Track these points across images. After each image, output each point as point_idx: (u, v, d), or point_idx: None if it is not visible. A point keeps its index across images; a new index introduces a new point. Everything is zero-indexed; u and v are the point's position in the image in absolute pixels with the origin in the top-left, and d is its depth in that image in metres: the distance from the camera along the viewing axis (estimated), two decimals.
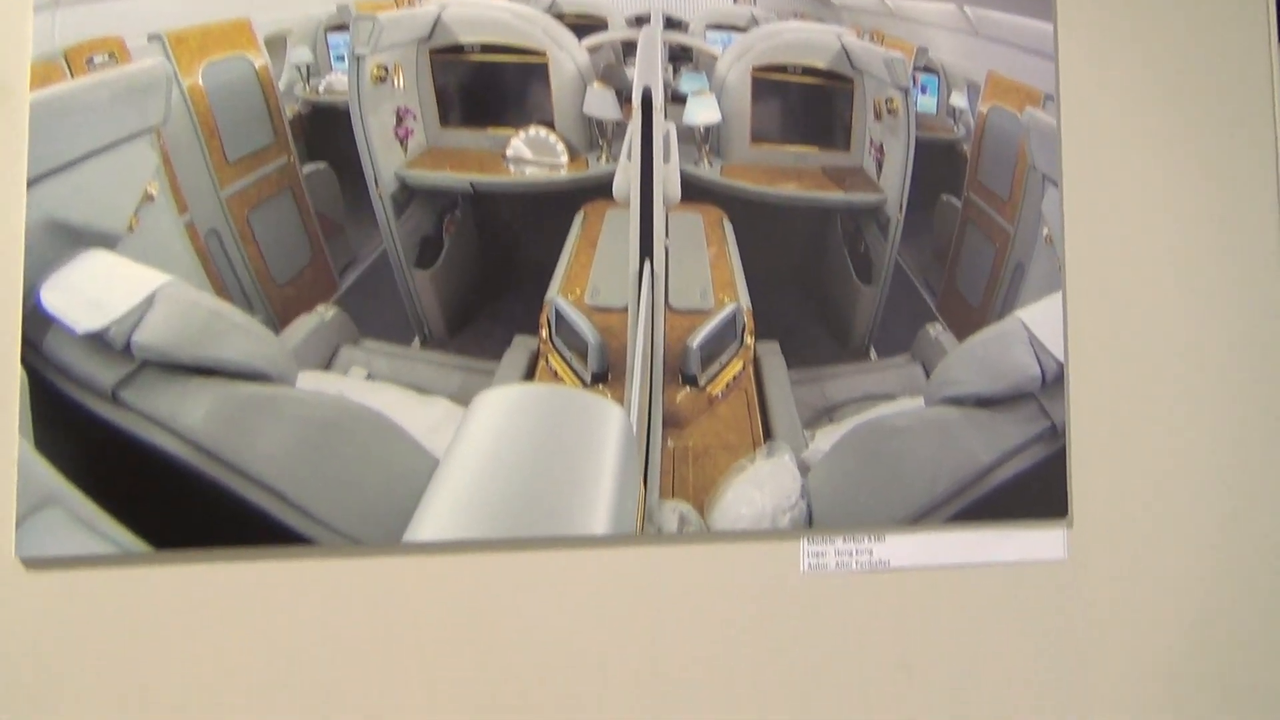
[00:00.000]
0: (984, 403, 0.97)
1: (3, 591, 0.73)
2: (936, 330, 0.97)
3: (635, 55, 0.89)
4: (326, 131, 0.81)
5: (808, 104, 0.94)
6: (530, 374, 0.85)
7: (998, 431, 0.97)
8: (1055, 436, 0.99)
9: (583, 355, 0.87)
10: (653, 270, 0.89)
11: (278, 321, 0.79)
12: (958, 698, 0.95)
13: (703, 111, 0.91)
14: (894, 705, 0.93)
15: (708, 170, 0.91)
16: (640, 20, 0.89)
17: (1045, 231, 1.01)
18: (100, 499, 0.74)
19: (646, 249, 0.89)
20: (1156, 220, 1.05)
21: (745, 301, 0.91)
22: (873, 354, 0.95)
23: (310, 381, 0.80)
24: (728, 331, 0.91)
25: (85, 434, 0.75)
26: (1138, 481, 1.02)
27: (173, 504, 0.76)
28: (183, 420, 0.76)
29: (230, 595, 0.77)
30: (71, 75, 0.75)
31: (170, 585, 0.76)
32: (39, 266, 0.74)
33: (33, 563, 0.73)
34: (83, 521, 0.74)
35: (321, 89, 0.81)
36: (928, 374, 0.96)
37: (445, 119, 0.85)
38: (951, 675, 0.95)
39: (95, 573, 0.74)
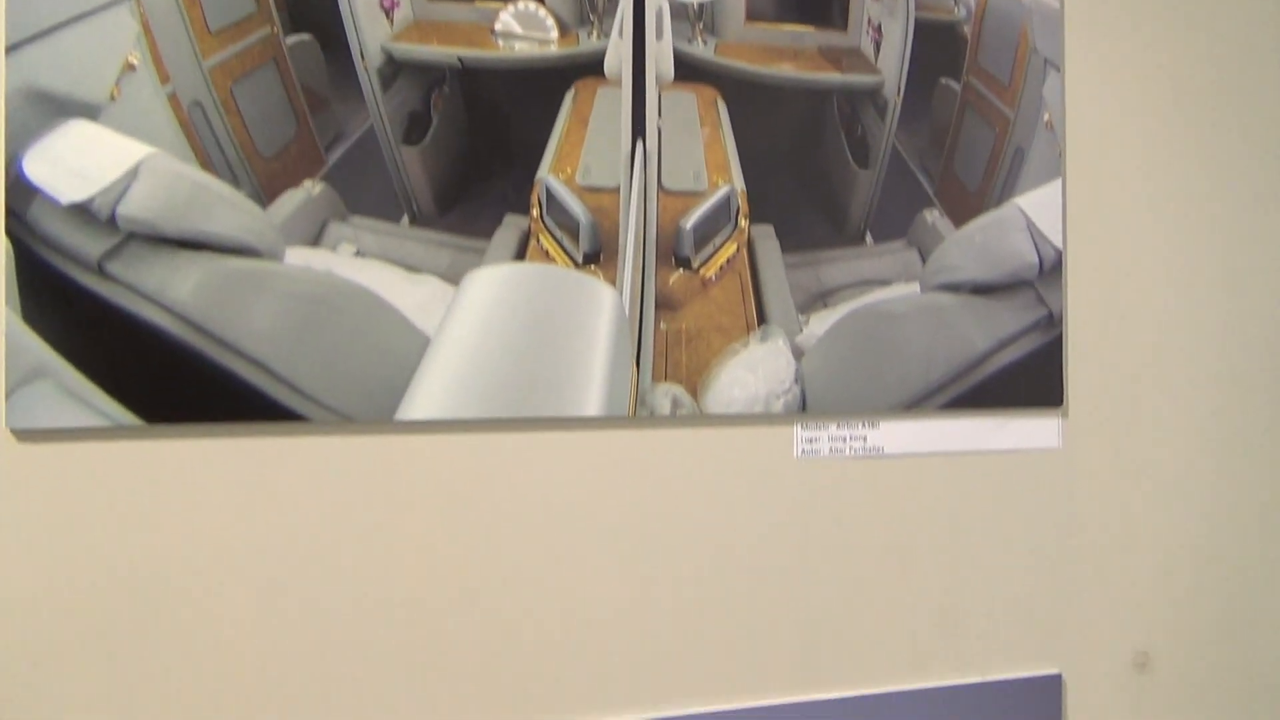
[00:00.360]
0: (981, 290, 0.96)
1: None
2: (934, 216, 0.96)
3: None
4: (310, 2, 0.79)
5: None
6: (521, 253, 0.84)
7: (994, 319, 0.97)
8: (1052, 325, 0.99)
9: (574, 235, 0.86)
10: (645, 150, 0.87)
11: (264, 196, 0.78)
12: (950, 581, 0.95)
13: None
14: (886, 588, 0.94)
15: (701, 49, 0.89)
16: None
17: (1046, 117, 0.99)
18: (90, 373, 0.74)
19: (639, 128, 0.87)
20: (1160, 107, 1.03)
21: (740, 183, 0.90)
22: (869, 239, 0.94)
23: (298, 257, 0.79)
24: (721, 214, 0.90)
25: (73, 307, 0.74)
26: (1134, 371, 1.02)
27: (163, 379, 0.76)
28: (170, 294, 0.76)
29: (222, 470, 0.77)
30: None
31: (162, 459, 0.76)
32: (20, 135, 0.73)
33: (24, 435, 0.73)
34: (73, 394, 0.74)
35: None
36: (924, 260, 0.95)
37: None
38: (944, 560, 0.95)
39: (87, 446, 0.74)
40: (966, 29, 0.97)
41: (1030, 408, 0.98)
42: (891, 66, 0.94)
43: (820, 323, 0.92)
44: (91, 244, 0.75)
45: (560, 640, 0.85)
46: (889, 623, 0.94)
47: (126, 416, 0.75)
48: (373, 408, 0.80)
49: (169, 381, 0.76)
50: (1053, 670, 0.98)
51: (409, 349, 0.81)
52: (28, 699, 0.73)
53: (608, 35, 0.86)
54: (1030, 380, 0.98)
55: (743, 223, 0.90)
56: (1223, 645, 1.04)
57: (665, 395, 0.87)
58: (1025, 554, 0.98)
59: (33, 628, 0.73)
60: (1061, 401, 0.99)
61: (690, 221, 0.89)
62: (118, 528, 0.75)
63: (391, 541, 0.81)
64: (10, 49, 0.73)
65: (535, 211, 0.85)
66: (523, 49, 0.85)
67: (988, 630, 0.96)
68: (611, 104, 0.86)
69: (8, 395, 0.73)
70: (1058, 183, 0.99)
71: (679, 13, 0.89)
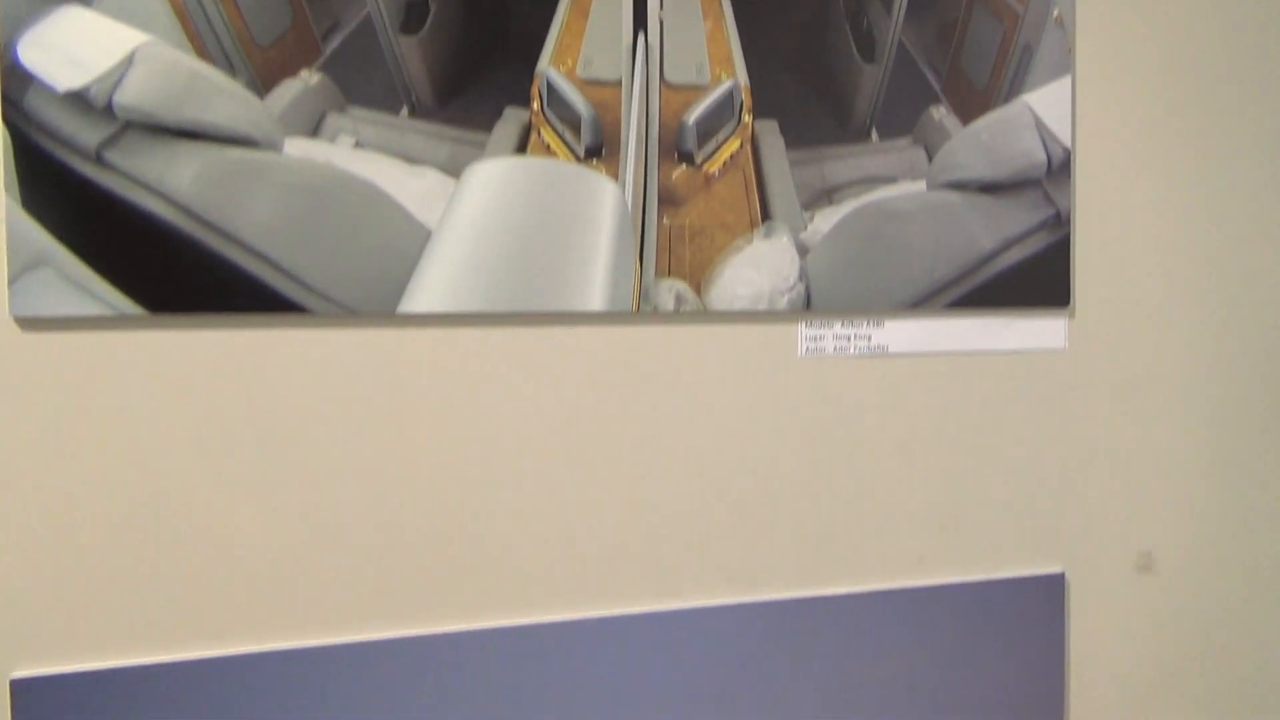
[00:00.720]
0: (988, 188, 0.95)
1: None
2: (940, 113, 0.94)
3: None
4: None
5: None
6: (522, 147, 0.83)
7: (1001, 218, 0.96)
8: (1059, 224, 0.98)
9: (576, 129, 0.85)
10: (647, 43, 0.86)
11: (260, 86, 0.78)
12: (954, 480, 0.96)
13: None
14: (891, 487, 0.94)
15: None
16: None
17: (1055, 12, 0.97)
18: (92, 261, 0.74)
19: (640, 20, 0.86)
20: (1173, 3, 1.01)
21: (743, 78, 0.89)
22: (874, 135, 0.93)
23: (297, 149, 0.78)
24: (725, 108, 0.88)
25: (74, 196, 0.74)
26: (1141, 271, 1.01)
27: (165, 269, 0.76)
28: (170, 183, 0.75)
29: (225, 361, 0.77)
30: None
31: (165, 349, 0.76)
32: (14, 21, 0.72)
33: (28, 323, 0.73)
34: (76, 283, 0.74)
35: None
36: (930, 157, 0.94)
37: None
38: (948, 459, 0.95)
39: (91, 335, 0.75)
40: None
41: (1036, 308, 0.97)
42: None
43: (825, 220, 0.91)
44: (89, 132, 0.74)
45: (562, 535, 0.85)
46: (892, 521, 0.94)
47: (129, 306, 0.75)
48: (375, 300, 0.80)
49: (171, 272, 0.76)
50: (1056, 569, 0.99)
51: (410, 242, 0.81)
52: (27, 588, 0.74)
53: None
54: (1037, 280, 0.97)
55: (746, 118, 0.89)
56: (1226, 547, 1.05)
57: (669, 291, 0.87)
58: (1030, 454, 0.98)
59: (36, 517, 0.74)
60: (1068, 302, 0.98)
61: (693, 116, 0.88)
62: (122, 417, 0.75)
63: (393, 434, 0.81)
64: None
65: (536, 105, 0.84)
66: None
67: (991, 529, 0.97)
68: None
69: (11, 283, 0.73)
70: (1067, 80, 0.97)
71: None
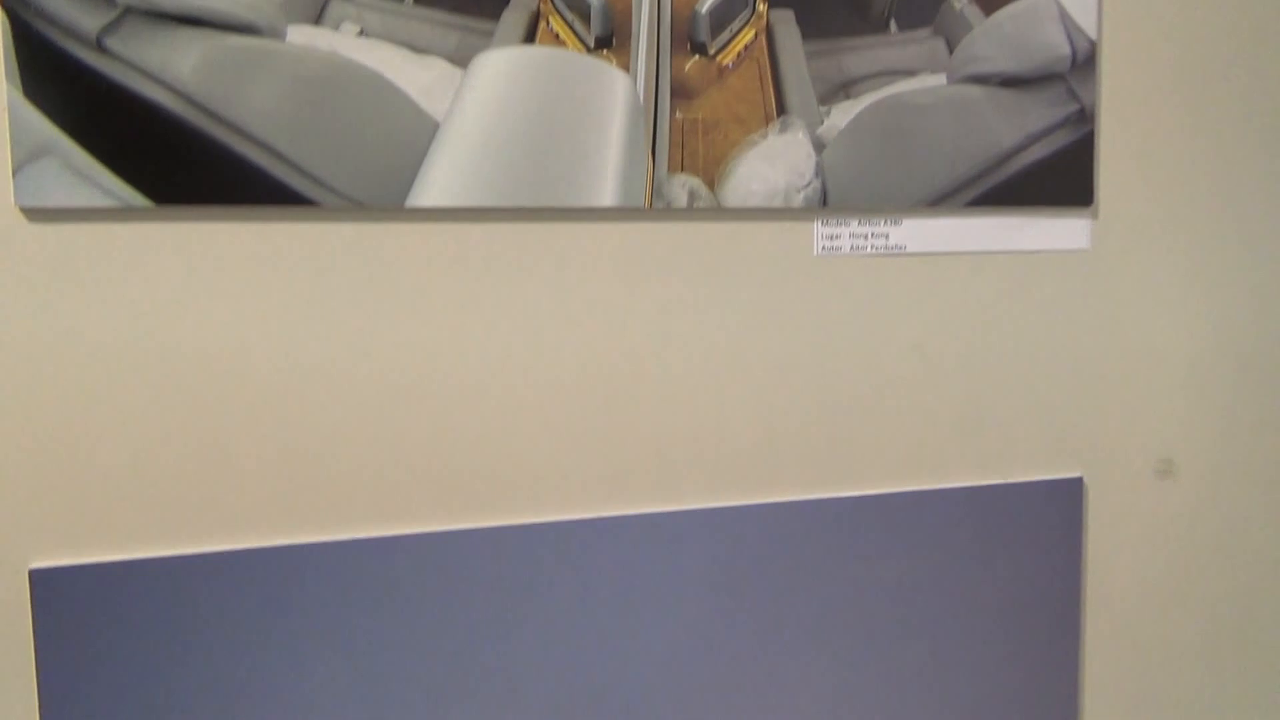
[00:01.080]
0: (1010, 82, 0.93)
1: (5, 242, 0.72)
2: (961, 2, 0.91)
3: None
4: None
5: None
6: (530, 36, 0.81)
7: (1023, 113, 0.93)
8: (1083, 120, 0.95)
9: (585, 18, 0.82)
10: None
11: None
12: (972, 383, 0.94)
13: None
14: (907, 389, 0.93)
15: None
16: None
17: None
18: (96, 151, 0.73)
19: None
20: None
21: None
22: (893, 26, 0.90)
23: (300, 36, 0.77)
24: None
25: (76, 85, 0.73)
26: (1167, 171, 0.98)
27: (170, 159, 0.75)
28: (172, 71, 0.74)
29: (232, 254, 0.76)
30: None
31: (172, 241, 0.75)
32: None
33: (34, 214, 0.73)
34: (80, 173, 0.73)
35: None
36: (951, 49, 0.91)
37: None
38: (966, 361, 0.94)
39: (97, 226, 0.74)
40: None
41: (1058, 207, 0.95)
42: None
43: (842, 114, 0.89)
44: (89, 18, 0.72)
45: (570, 434, 0.85)
46: (909, 423, 0.93)
47: (135, 197, 0.74)
48: (382, 193, 0.79)
49: (176, 162, 0.75)
50: (1074, 474, 0.98)
51: (418, 134, 0.79)
52: (41, 481, 0.74)
53: None
54: (1059, 178, 0.95)
55: (761, 7, 0.86)
56: (1248, 455, 1.03)
57: (682, 187, 0.85)
58: (1049, 356, 0.96)
59: (46, 408, 0.74)
60: (1091, 201, 0.96)
61: (706, 4, 0.85)
62: (128, 310, 0.75)
63: (401, 329, 0.80)
64: None
65: None
66: None
67: (1009, 432, 0.96)
68: None
69: (15, 172, 0.72)
70: None
71: None
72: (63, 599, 0.75)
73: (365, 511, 0.81)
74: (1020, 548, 0.96)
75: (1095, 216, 0.96)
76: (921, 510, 0.93)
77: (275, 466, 0.78)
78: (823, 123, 0.88)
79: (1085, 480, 0.98)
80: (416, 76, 0.79)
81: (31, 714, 0.75)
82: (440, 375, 0.81)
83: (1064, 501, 0.98)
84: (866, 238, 0.91)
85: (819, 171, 0.88)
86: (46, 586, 0.75)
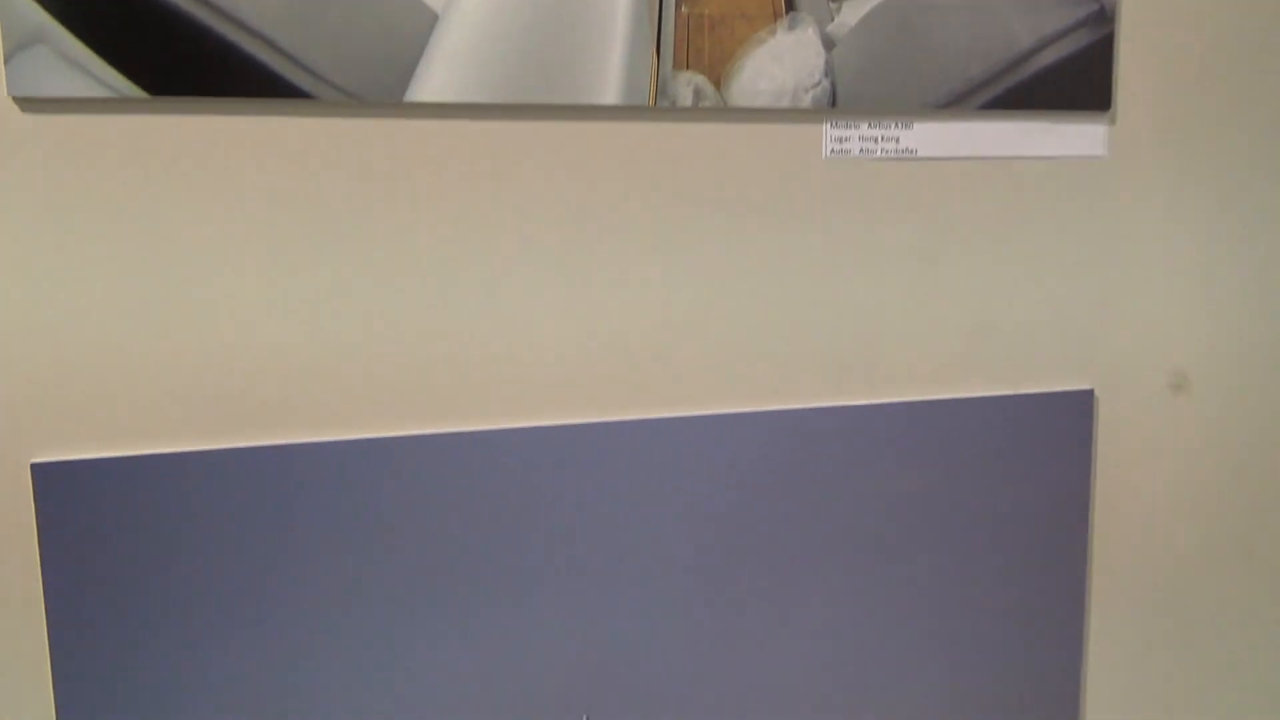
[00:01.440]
0: None
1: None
2: None
3: None
4: None
5: None
6: None
7: (1040, 12, 0.90)
8: (1102, 20, 0.92)
9: None
10: None
11: None
12: (982, 292, 0.93)
13: None
14: (917, 297, 0.91)
15: None
16: None
17: None
18: (89, 40, 0.72)
19: None
20: None
21: None
22: None
23: None
24: None
25: None
26: (1189, 75, 0.96)
27: (164, 50, 0.73)
28: None
29: (228, 148, 0.75)
30: None
31: (167, 133, 0.74)
32: None
33: (28, 104, 0.72)
34: (74, 63, 0.72)
35: None
36: None
37: None
38: (977, 270, 0.92)
39: (91, 118, 0.73)
40: None
41: (1075, 111, 0.93)
42: None
43: (853, 11, 0.86)
44: None
45: (573, 338, 0.84)
46: (918, 331, 0.92)
47: (129, 88, 0.73)
48: (381, 88, 0.77)
49: (170, 53, 0.73)
50: (1086, 386, 0.96)
51: (417, 27, 0.77)
52: (41, 375, 0.74)
53: None
54: (1076, 81, 0.92)
55: None
56: (1264, 371, 1.01)
57: (687, 85, 0.83)
58: (1062, 266, 0.94)
59: (43, 302, 0.73)
60: (1109, 106, 0.93)
61: None
62: (124, 202, 0.74)
63: (399, 227, 0.79)
64: None
65: None
66: None
67: (1019, 343, 0.94)
68: None
69: (6, 60, 0.71)
70: None
71: None
72: (66, 494, 0.75)
73: (368, 412, 0.80)
74: (1030, 460, 0.95)
75: (1113, 122, 0.94)
76: (929, 420, 0.92)
77: (276, 364, 0.78)
78: (833, 19, 0.86)
79: (1096, 393, 0.97)
80: None
81: (37, 605, 0.76)
82: (440, 274, 0.80)
83: (1074, 414, 0.96)
84: (876, 141, 0.89)
85: (828, 71, 0.86)
86: (49, 481, 0.75)
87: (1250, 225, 0.99)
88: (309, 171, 0.77)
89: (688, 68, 0.83)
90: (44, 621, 0.76)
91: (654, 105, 0.83)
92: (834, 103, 0.87)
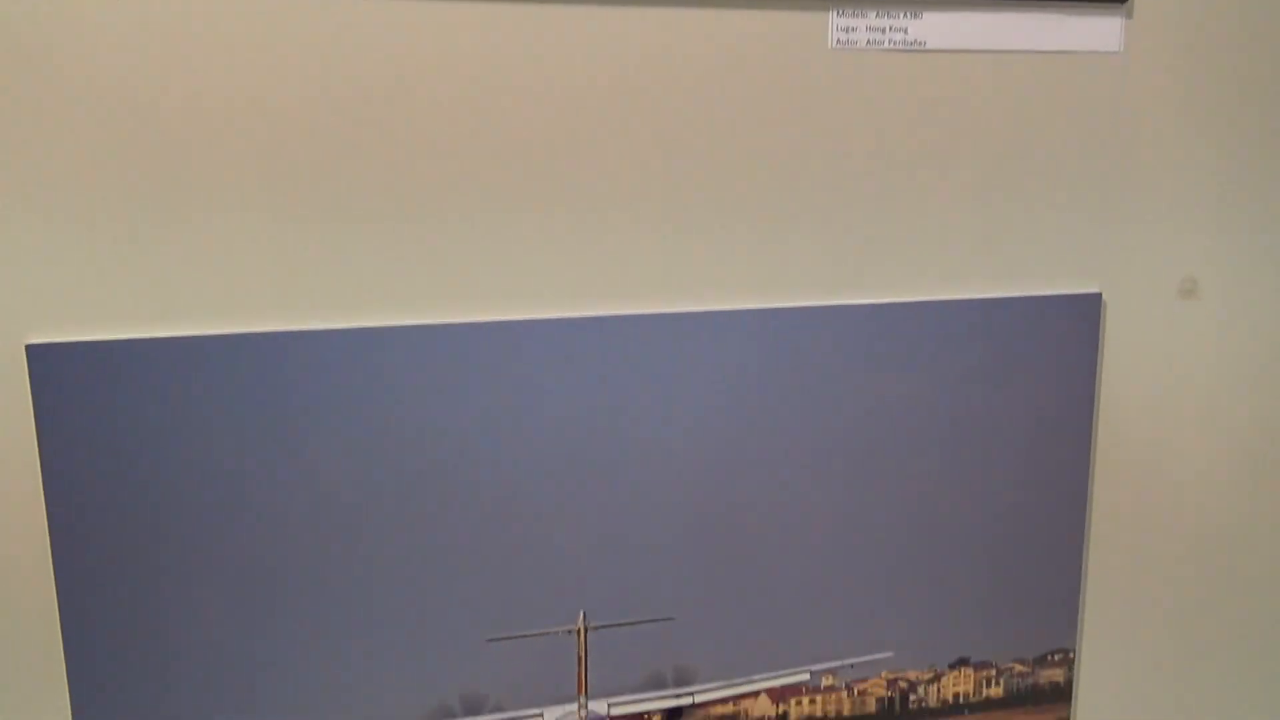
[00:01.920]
0: None
1: None
2: None
3: None
4: None
5: None
6: None
7: None
8: None
9: None
10: None
11: None
12: (991, 190, 0.91)
13: None
14: (924, 195, 0.90)
15: None
16: None
17: None
18: None
19: None
20: None
21: None
22: None
23: None
24: None
25: None
26: None
27: None
28: None
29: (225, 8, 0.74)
30: None
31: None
32: None
33: None
34: None
35: None
36: None
37: None
38: (986, 167, 0.90)
39: None
40: None
41: (1089, 3, 0.90)
42: None
43: None
44: None
45: (572, 229, 0.83)
46: (924, 231, 0.90)
47: None
48: None
49: None
50: (1093, 289, 0.95)
51: None
52: (38, 255, 0.74)
53: None
54: None
55: None
56: (1276, 277, 1.00)
57: None
58: (1073, 165, 0.92)
59: (39, 178, 0.73)
60: None
61: None
62: (118, 41, 0.73)
63: (393, 105, 0.78)
64: None
65: None
66: None
67: (1027, 244, 0.93)
68: None
69: None
70: None
71: None
72: (61, 376, 0.75)
73: (370, 302, 0.80)
74: (1034, 363, 0.94)
75: (1129, 15, 0.91)
76: (933, 321, 0.91)
77: (265, 251, 0.77)
78: None
79: (1104, 297, 0.95)
80: None
81: (35, 484, 0.76)
82: (431, 159, 0.79)
83: (1081, 318, 0.95)
84: (884, 31, 0.86)
85: None
86: (44, 362, 0.75)
87: (1268, 127, 0.96)
88: (304, 18, 0.75)
89: None
90: (42, 503, 0.77)
91: None
92: None
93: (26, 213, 0.73)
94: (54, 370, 0.75)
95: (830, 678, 0.96)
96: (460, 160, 0.79)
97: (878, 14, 0.86)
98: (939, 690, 0.99)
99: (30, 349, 0.74)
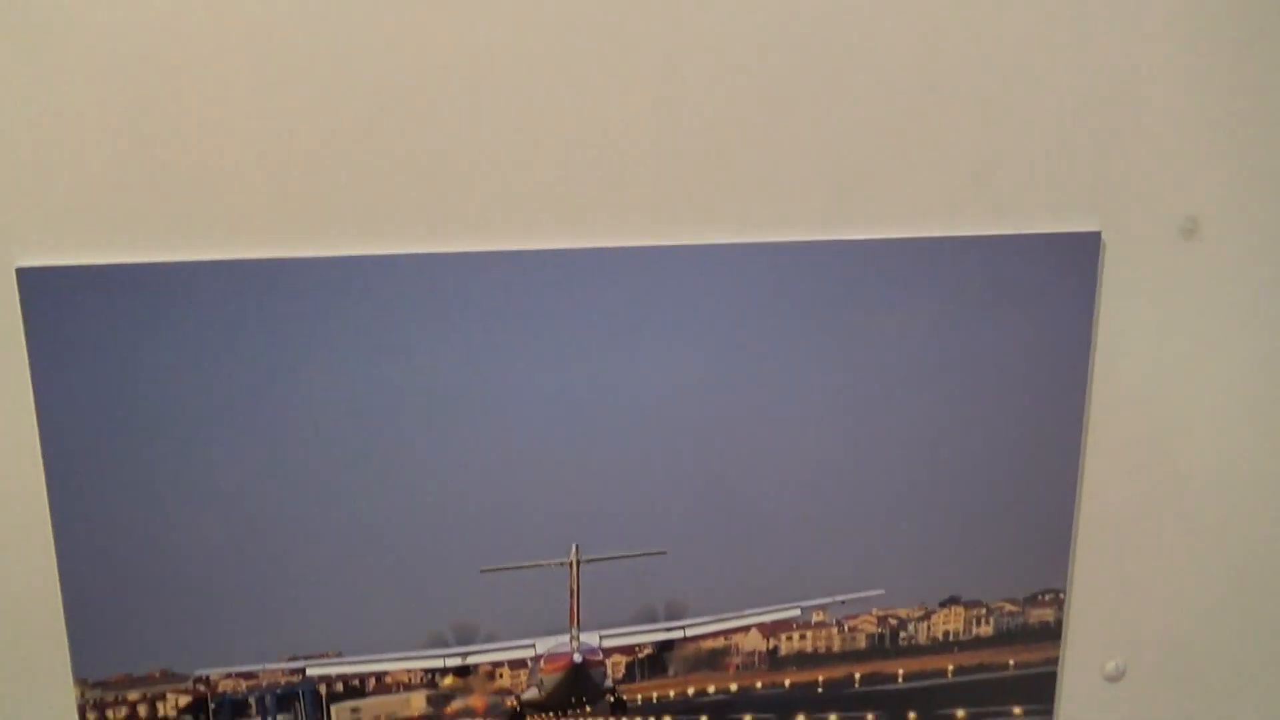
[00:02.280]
0: None
1: None
2: None
3: None
4: None
5: None
6: None
7: None
8: None
9: None
10: None
11: None
12: (990, 125, 0.90)
13: None
14: (919, 128, 0.88)
15: None
16: None
17: None
18: None
19: None
20: None
21: None
22: None
23: None
24: None
25: None
26: None
27: None
28: None
29: None
30: None
31: None
32: None
33: None
34: None
35: None
36: None
37: None
38: (983, 101, 0.89)
39: None
40: None
41: None
42: None
43: None
44: None
45: (561, 160, 0.82)
46: (920, 166, 0.89)
47: None
48: None
49: None
50: (1092, 228, 0.94)
51: None
52: (28, 179, 0.73)
53: None
54: None
55: None
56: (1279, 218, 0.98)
57: None
58: (1074, 100, 0.91)
59: (32, 104, 0.72)
60: None
61: None
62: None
63: (389, 31, 0.77)
64: None
65: None
66: None
67: (1024, 180, 0.91)
68: None
69: None
70: None
71: None
72: (52, 300, 0.75)
73: (360, 229, 0.79)
74: (1030, 302, 0.94)
75: None
76: (927, 258, 0.91)
77: (262, 174, 0.77)
78: None
79: (1103, 235, 0.94)
80: None
81: (28, 406, 0.76)
82: (427, 84, 0.78)
83: (1079, 257, 0.94)
84: None
85: None
86: (34, 286, 0.75)
87: (1275, 59, 0.94)
88: None
89: None
90: (35, 430, 0.77)
91: None
92: None
93: (15, 132, 0.72)
94: (45, 294, 0.75)
95: (821, 614, 0.97)
96: (452, 81, 0.79)
97: None
98: (929, 628, 1.00)
99: (21, 272, 0.74)
